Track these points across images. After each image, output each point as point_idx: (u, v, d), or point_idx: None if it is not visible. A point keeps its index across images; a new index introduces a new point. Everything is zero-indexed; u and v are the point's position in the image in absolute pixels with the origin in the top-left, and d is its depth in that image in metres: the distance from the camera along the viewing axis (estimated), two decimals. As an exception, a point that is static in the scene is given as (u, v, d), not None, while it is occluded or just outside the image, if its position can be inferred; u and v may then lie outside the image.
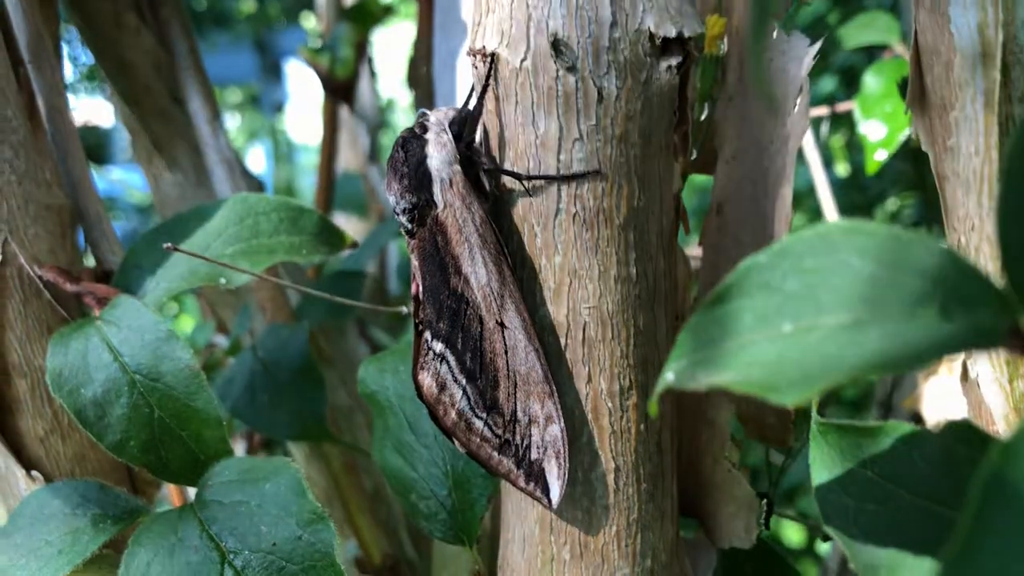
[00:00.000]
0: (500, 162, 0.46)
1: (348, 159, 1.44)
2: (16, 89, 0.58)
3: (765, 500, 0.52)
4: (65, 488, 0.55)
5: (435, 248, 0.46)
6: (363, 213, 1.39)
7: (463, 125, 0.46)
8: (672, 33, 0.42)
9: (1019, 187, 0.25)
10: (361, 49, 1.16)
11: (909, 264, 0.27)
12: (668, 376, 0.29)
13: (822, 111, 1.03)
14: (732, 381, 0.27)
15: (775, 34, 0.49)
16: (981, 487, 0.22)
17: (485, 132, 0.47)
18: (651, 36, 0.42)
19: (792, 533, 1.60)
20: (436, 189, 0.45)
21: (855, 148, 1.65)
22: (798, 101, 0.47)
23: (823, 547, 1.43)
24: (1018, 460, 0.23)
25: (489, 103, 0.45)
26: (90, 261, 0.65)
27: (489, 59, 0.44)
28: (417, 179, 0.45)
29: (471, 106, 0.46)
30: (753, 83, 0.46)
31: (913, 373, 0.89)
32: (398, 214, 0.47)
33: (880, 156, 0.79)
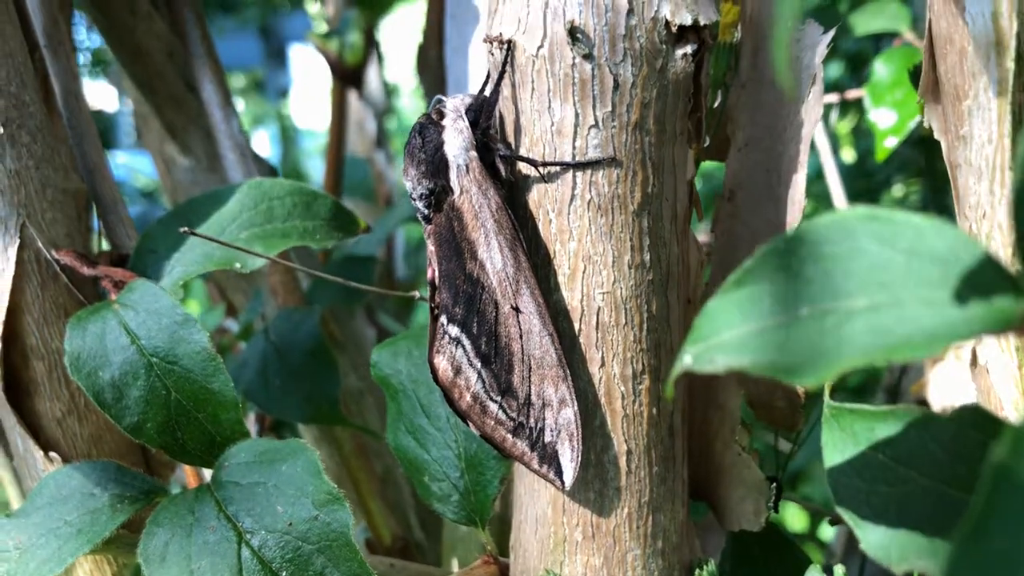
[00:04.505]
0: (516, 148, 0.46)
1: (354, 144, 1.45)
2: (33, 74, 0.59)
3: (774, 484, 0.53)
4: (83, 469, 0.56)
5: (451, 233, 0.46)
6: (370, 198, 1.40)
7: (479, 112, 0.46)
8: (688, 21, 0.43)
9: (1035, 175, 0.26)
10: (369, 34, 1.16)
11: (924, 250, 0.28)
12: (686, 359, 0.30)
13: (832, 98, 1.03)
14: (750, 364, 0.28)
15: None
16: (993, 470, 0.23)
17: (501, 119, 0.47)
18: (667, 24, 0.42)
19: (794, 519, 1.61)
20: (453, 175, 0.46)
21: (861, 135, 1.65)
22: (812, 88, 0.48)
23: (824, 533, 1.44)
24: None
25: (505, 90, 0.46)
26: (103, 246, 0.65)
27: (506, 46, 0.44)
28: (434, 165, 0.46)
29: (487, 93, 0.46)
30: (776, 71, 0.47)
31: (920, 360, 0.89)
32: (415, 199, 0.47)
33: (890, 143, 0.80)
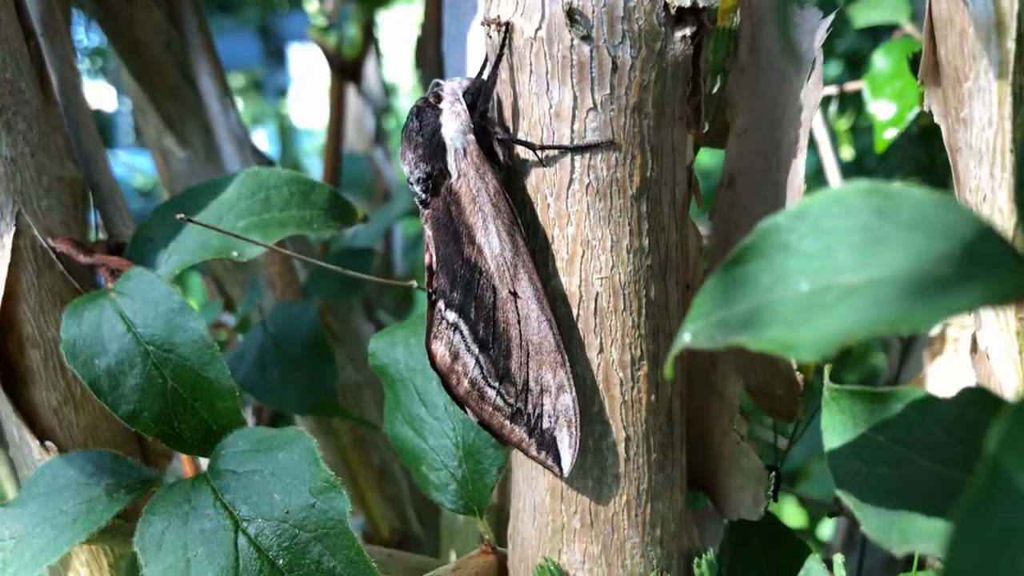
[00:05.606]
0: (514, 132, 0.46)
1: (352, 141, 1.44)
2: (29, 61, 0.58)
3: (773, 473, 0.53)
4: (79, 458, 0.56)
5: (449, 218, 0.46)
6: (368, 194, 1.40)
7: (477, 95, 0.46)
8: (687, 3, 0.42)
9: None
10: (368, 30, 1.16)
11: (926, 224, 0.27)
12: (685, 336, 0.29)
13: (831, 90, 1.03)
14: (750, 340, 0.27)
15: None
16: (994, 447, 0.23)
17: (499, 102, 0.47)
18: (666, 6, 0.42)
19: (792, 517, 1.61)
20: (450, 159, 0.45)
21: (858, 132, 1.65)
22: (811, 74, 0.47)
23: (822, 532, 1.44)
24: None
25: (503, 73, 0.46)
26: (100, 235, 0.65)
27: (503, 28, 0.44)
28: (431, 148, 0.45)
29: (485, 76, 0.46)
30: (779, 42, 0.46)
31: (919, 354, 0.89)
32: (412, 184, 0.47)
33: (890, 134, 0.80)
